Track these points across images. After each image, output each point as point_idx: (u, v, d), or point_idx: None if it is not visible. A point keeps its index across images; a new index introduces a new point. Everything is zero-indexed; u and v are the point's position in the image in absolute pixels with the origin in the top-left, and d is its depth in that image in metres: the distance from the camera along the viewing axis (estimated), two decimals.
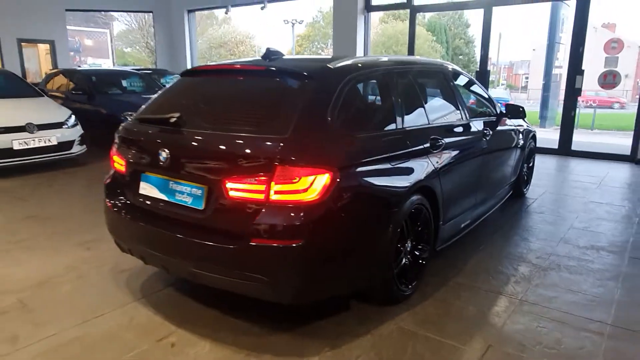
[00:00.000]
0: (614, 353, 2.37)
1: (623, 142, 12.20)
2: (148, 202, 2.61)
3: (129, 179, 2.72)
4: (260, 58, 2.87)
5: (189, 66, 14.60)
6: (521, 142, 4.74)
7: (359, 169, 2.38)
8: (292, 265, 2.20)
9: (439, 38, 48.98)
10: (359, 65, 2.76)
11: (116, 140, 2.85)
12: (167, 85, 3.06)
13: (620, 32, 42.64)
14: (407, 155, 2.72)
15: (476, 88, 4.19)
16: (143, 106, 2.97)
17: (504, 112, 4.33)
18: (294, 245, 2.14)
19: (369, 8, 10.21)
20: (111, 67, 14.79)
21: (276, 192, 2.14)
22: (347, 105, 2.50)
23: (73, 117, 7.02)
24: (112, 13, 34.53)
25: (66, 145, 6.72)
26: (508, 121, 4.43)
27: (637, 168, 7.09)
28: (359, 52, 10.33)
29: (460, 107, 3.56)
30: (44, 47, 12.71)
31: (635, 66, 38.51)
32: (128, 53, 41.69)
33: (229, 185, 2.22)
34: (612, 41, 7.57)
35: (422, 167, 2.81)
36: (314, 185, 2.14)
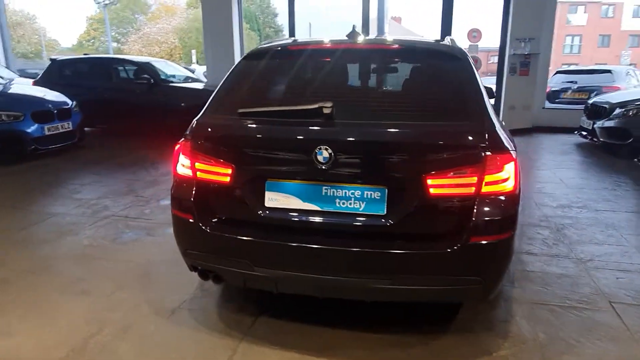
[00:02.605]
0: None
1: None
2: (284, 216, 2.08)
3: (242, 190, 2.11)
4: (346, 37, 2.51)
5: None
6: None
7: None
8: (503, 260, 2.05)
9: (252, 26, 49.54)
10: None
11: (202, 143, 2.17)
12: (234, 71, 2.43)
13: (405, 24, 49.61)
14: None
15: None
16: (211, 99, 2.33)
17: None
18: (506, 238, 2.00)
19: None
20: None
21: (487, 184, 1.95)
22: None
23: None
24: None
25: None
26: None
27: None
28: (236, 36, 9.79)
29: None
30: None
31: None
32: None
33: (430, 181, 1.93)
34: (473, 31, 8.82)
35: None
36: (510, 172, 2.02)
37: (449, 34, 8.92)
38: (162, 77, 8.44)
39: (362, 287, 2.04)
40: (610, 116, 6.64)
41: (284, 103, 2.16)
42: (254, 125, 2.14)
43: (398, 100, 2.17)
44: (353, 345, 2.26)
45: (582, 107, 7.98)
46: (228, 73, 2.48)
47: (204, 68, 13.48)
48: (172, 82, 8.50)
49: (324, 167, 1.97)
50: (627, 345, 2.27)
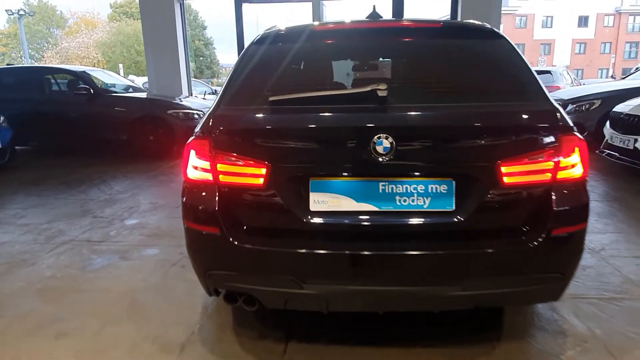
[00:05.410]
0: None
1: None
2: (334, 221, 1.76)
3: (279, 193, 1.76)
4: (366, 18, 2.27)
5: None
6: None
7: None
8: (580, 252, 1.85)
9: None
10: None
11: (225, 140, 1.81)
12: (245, 58, 2.06)
13: None
14: None
15: None
16: (224, 90, 1.97)
17: None
18: (584, 228, 1.82)
19: None
20: None
21: (561, 169, 1.76)
22: None
23: None
24: None
25: None
26: None
27: None
28: (180, 45, 9.23)
29: None
30: None
31: None
32: None
33: (504, 169, 1.71)
34: None
35: None
36: (580, 156, 1.83)
37: None
38: (103, 86, 7.74)
39: (431, 295, 1.77)
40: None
41: (320, 89, 1.85)
42: (292, 115, 1.80)
43: (450, 81, 1.94)
44: None
45: None
46: (237, 61, 2.13)
47: (141, 79, 12.68)
48: (114, 92, 7.81)
49: (382, 160, 1.68)
50: None
